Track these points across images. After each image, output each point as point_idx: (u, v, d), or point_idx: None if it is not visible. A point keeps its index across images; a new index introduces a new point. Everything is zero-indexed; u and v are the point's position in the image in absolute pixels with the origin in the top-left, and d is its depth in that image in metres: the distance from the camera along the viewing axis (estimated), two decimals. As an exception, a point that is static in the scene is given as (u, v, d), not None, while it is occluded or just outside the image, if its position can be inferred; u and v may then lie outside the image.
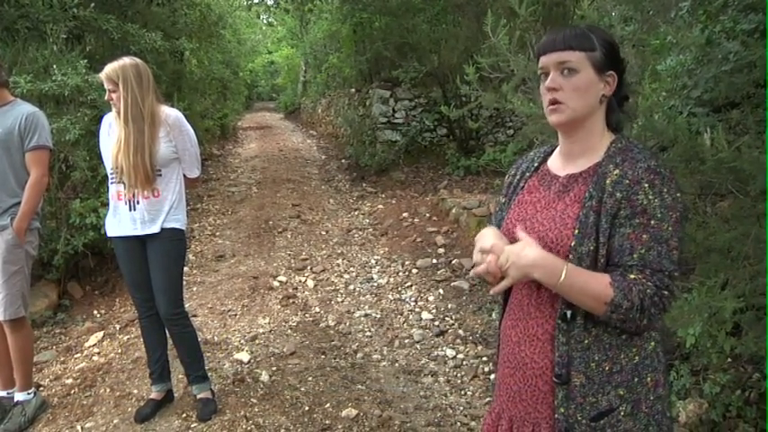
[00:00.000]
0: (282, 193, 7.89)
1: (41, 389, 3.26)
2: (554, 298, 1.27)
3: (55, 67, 4.46)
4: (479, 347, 3.68)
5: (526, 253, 1.23)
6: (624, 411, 1.25)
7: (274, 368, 3.40)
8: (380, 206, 7.12)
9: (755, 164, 1.85)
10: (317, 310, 4.35)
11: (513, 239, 1.32)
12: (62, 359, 3.74)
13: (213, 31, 9.75)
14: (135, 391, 3.16)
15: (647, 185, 1.20)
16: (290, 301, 4.47)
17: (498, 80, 2.71)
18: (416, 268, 5.06)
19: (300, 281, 4.94)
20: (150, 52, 5.78)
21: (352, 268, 5.23)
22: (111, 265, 4.81)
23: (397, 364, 3.51)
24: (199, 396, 2.92)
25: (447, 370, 3.44)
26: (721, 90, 2.37)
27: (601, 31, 1.32)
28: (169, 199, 2.74)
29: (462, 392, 3.19)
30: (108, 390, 3.20)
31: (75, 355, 3.78)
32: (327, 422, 2.86)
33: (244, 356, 3.54)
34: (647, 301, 1.18)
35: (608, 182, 1.23)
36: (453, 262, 5.04)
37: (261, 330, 3.96)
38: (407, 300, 4.49)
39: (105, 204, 3.87)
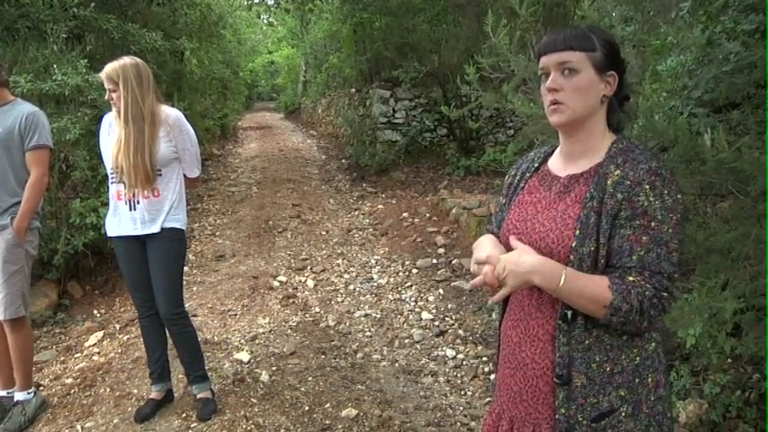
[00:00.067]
0: (282, 193, 7.89)
1: (41, 388, 3.26)
2: (555, 298, 1.27)
3: (55, 66, 4.46)
4: (479, 347, 3.68)
5: (524, 260, 1.23)
6: (625, 412, 1.25)
7: (274, 368, 3.40)
8: (380, 206, 7.12)
9: (756, 164, 1.85)
10: (317, 310, 4.35)
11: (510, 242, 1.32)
12: (62, 359, 3.74)
13: (213, 31, 9.76)
14: (135, 391, 3.16)
15: (647, 187, 1.20)
16: (290, 301, 4.47)
17: (499, 80, 2.70)
18: (416, 268, 5.06)
19: (300, 281, 4.94)
20: (150, 52, 5.79)
21: (352, 268, 5.23)
22: (111, 265, 4.81)
23: (397, 364, 3.51)
24: (199, 396, 2.92)
25: (447, 370, 3.44)
26: (722, 91, 2.37)
27: (601, 32, 1.32)
28: (169, 199, 2.74)
29: (462, 392, 3.19)
30: (108, 389, 3.20)
31: (75, 355, 3.78)
32: (327, 422, 2.86)
33: (244, 356, 3.54)
34: (647, 304, 1.18)
35: (609, 182, 1.23)
36: (453, 262, 5.04)
37: (261, 330, 3.96)
38: (407, 300, 4.49)
39: (105, 204, 3.87)
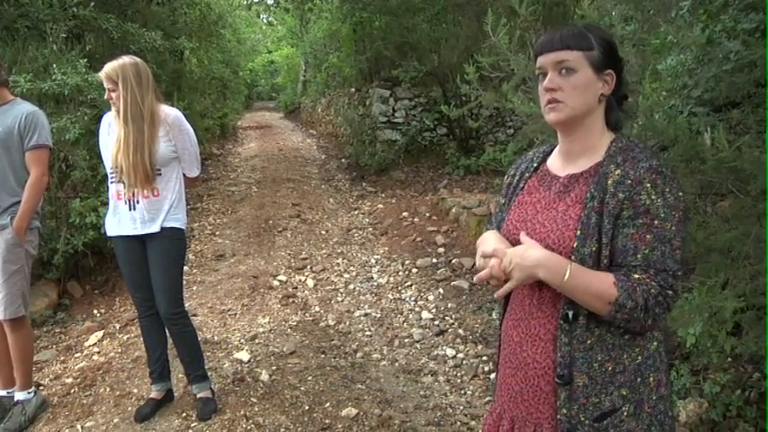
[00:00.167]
0: (282, 193, 7.88)
1: (41, 388, 3.26)
2: (556, 298, 1.26)
3: (55, 66, 4.46)
4: (479, 347, 3.68)
5: (530, 253, 1.23)
6: (627, 412, 1.25)
7: (274, 367, 3.40)
8: (380, 205, 7.12)
9: (756, 163, 1.85)
10: (317, 309, 4.35)
11: (513, 241, 1.32)
12: (62, 358, 3.74)
13: (213, 31, 9.76)
14: (135, 391, 3.16)
15: (649, 185, 1.20)
16: (290, 300, 4.47)
17: (498, 79, 2.70)
18: (416, 268, 5.06)
19: (300, 280, 4.94)
20: (150, 51, 5.78)
21: (351, 268, 5.23)
22: (110, 265, 4.81)
23: (396, 364, 3.51)
24: (199, 395, 2.91)
25: (447, 369, 3.44)
26: (722, 89, 2.37)
27: (598, 30, 1.32)
28: (169, 198, 2.73)
29: (462, 392, 3.19)
30: (108, 389, 3.20)
31: (75, 355, 3.78)
32: (327, 421, 2.86)
33: (244, 356, 3.54)
34: (652, 301, 1.18)
35: (610, 182, 1.23)
36: (453, 261, 5.04)
37: (261, 330, 3.96)
38: (407, 299, 4.49)
39: (105, 204, 3.87)
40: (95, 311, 4.47)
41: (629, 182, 1.21)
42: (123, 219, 2.72)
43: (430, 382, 3.30)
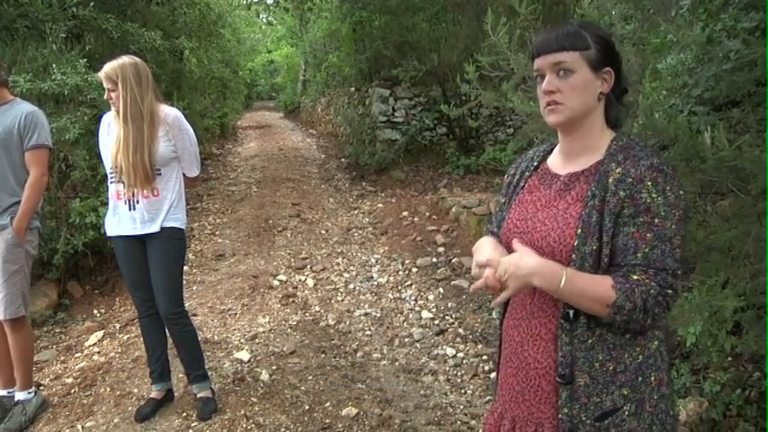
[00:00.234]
0: (282, 192, 7.88)
1: (42, 388, 3.26)
2: (556, 297, 1.26)
3: (54, 66, 4.45)
4: (479, 346, 3.68)
5: (525, 262, 1.23)
6: (628, 411, 1.25)
7: (274, 367, 3.40)
8: (380, 205, 7.12)
9: (756, 162, 1.85)
10: (317, 309, 4.35)
11: (518, 237, 1.32)
12: (62, 358, 3.74)
13: (213, 30, 9.76)
14: (135, 391, 3.16)
15: (650, 183, 1.19)
16: (290, 300, 4.47)
17: (498, 79, 2.70)
18: (416, 267, 5.06)
19: (300, 280, 4.94)
20: (150, 51, 5.78)
21: (351, 267, 5.23)
22: (110, 265, 4.81)
23: (397, 363, 3.51)
24: (199, 395, 2.91)
25: (447, 369, 3.44)
26: (722, 88, 2.37)
27: (594, 28, 1.31)
28: (169, 198, 2.73)
29: (462, 391, 3.19)
30: (108, 389, 3.20)
31: (76, 355, 3.78)
32: (327, 421, 2.86)
33: (244, 355, 3.54)
34: (651, 302, 1.17)
35: (611, 180, 1.23)
36: (453, 261, 5.04)
37: (261, 329, 3.96)
38: (407, 298, 4.49)
39: (105, 204, 3.87)
40: (95, 311, 4.47)
41: (630, 180, 1.21)
42: (123, 219, 2.72)
43: (430, 381, 3.30)
